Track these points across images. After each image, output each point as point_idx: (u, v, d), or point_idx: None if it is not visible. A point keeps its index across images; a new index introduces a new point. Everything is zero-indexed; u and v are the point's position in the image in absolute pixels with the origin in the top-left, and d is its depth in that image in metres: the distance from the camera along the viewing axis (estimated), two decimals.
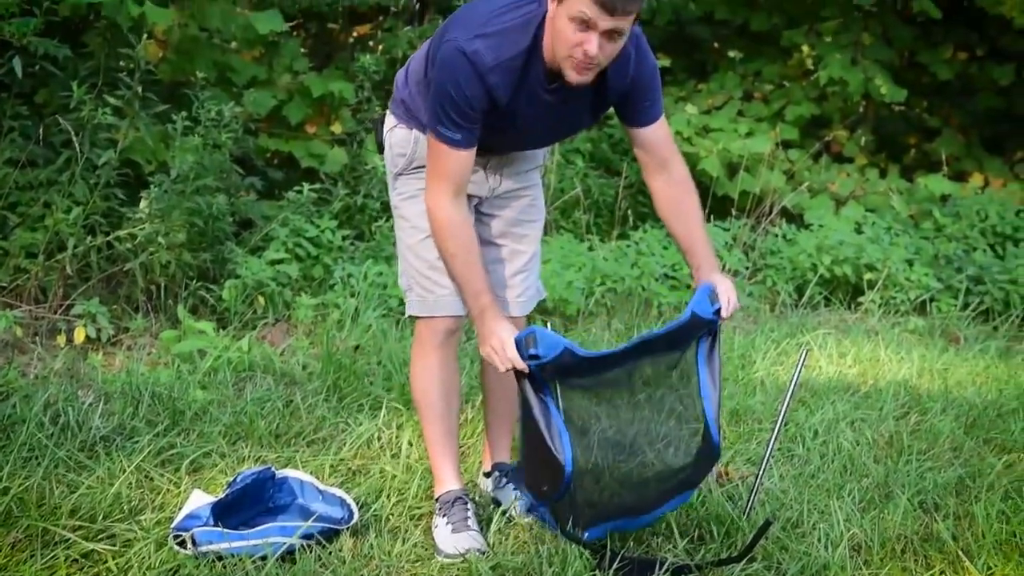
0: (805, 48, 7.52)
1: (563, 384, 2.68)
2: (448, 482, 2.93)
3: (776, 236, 6.29)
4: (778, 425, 3.00)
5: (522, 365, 2.58)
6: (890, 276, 5.91)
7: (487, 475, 3.19)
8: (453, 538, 2.78)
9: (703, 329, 2.78)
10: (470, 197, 2.84)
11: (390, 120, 2.91)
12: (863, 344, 5.03)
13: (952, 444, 3.78)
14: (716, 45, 8.41)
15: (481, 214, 2.96)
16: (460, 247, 2.69)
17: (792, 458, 3.57)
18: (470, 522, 2.83)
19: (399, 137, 2.86)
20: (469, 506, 2.89)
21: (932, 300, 5.89)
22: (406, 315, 2.99)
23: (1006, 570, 2.84)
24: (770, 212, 6.47)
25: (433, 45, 2.71)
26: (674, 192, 2.87)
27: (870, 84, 6.88)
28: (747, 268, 6.01)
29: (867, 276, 5.94)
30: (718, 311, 2.75)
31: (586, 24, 2.44)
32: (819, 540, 2.92)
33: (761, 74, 7.73)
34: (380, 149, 3.00)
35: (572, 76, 2.54)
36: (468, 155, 2.66)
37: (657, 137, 2.84)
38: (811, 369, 4.60)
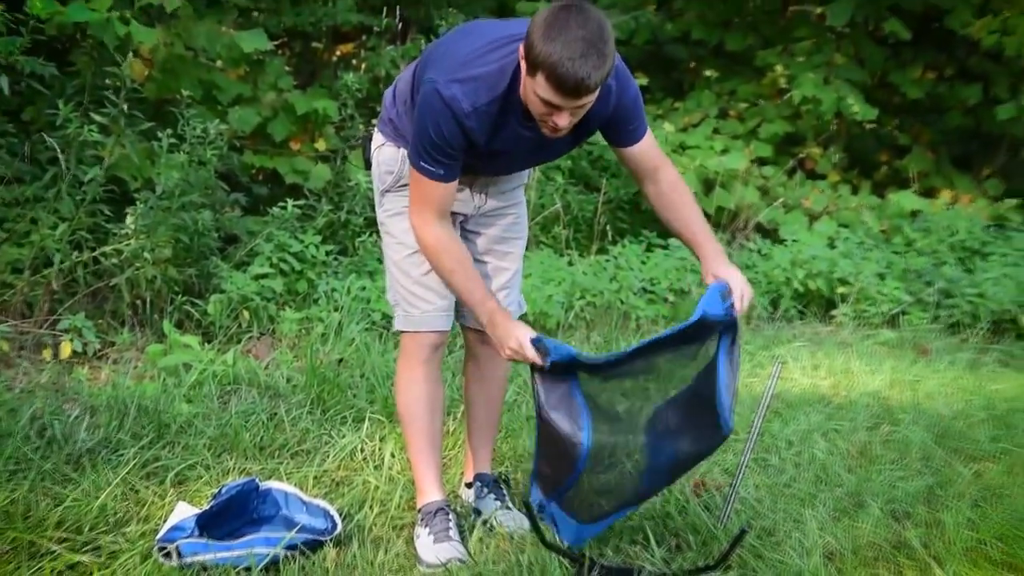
0: (779, 68, 7.56)
1: (584, 375, 2.71)
2: (430, 493, 2.94)
3: (751, 250, 6.32)
4: (752, 436, 3.01)
5: (541, 361, 2.60)
6: (862, 290, 5.95)
7: (468, 486, 3.19)
8: (435, 548, 2.79)
9: (719, 327, 2.75)
10: (455, 215, 2.85)
11: (378, 138, 2.91)
12: (836, 356, 5.06)
13: (922, 454, 3.80)
14: (692, 65, 8.46)
15: (466, 231, 2.97)
16: (455, 261, 2.70)
17: (767, 468, 3.59)
18: (451, 532, 2.84)
19: (387, 155, 2.86)
20: (451, 516, 2.89)
21: (903, 313, 5.93)
22: (393, 330, 2.99)
23: (974, 574, 2.86)
24: (745, 227, 6.50)
25: (417, 75, 2.72)
26: (667, 193, 2.87)
27: (842, 103, 6.93)
28: None
29: (840, 290, 5.98)
30: (731, 306, 2.74)
31: (552, 105, 2.45)
32: (793, 548, 2.93)
33: (736, 93, 7.77)
34: (367, 166, 3.00)
35: (545, 132, 2.56)
36: (451, 186, 2.67)
37: (644, 151, 2.83)
38: (785, 381, 4.62)
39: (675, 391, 2.81)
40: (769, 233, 6.75)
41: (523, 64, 2.47)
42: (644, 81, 7.13)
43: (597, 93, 2.46)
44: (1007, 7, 7.31)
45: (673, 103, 7.78)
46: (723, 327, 2.75)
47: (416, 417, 2.93)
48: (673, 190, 2.88)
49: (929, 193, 7.44)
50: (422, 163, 2.61)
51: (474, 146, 2.60)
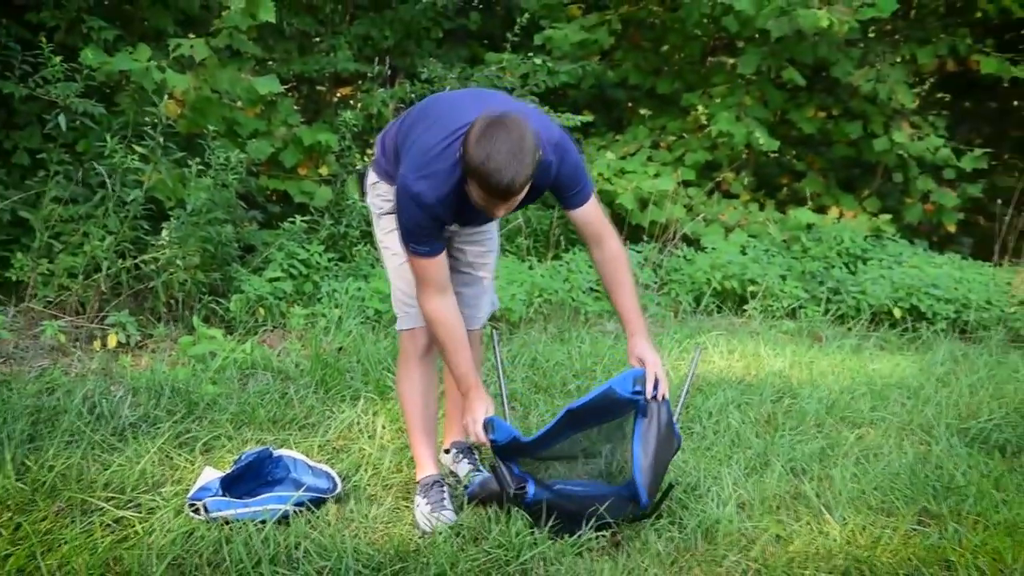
0: (700, 107, 7.57)
1: (518, 458, 2.76)
2: (427, 468, 2.90)
3: (678, 257, 6.34)
4: (679, 408, 3.03)
5: (484, 441, 2.64)
6: (768, 288, 5.98)
7: (447, 452, 3.18)
8: (432, 516, 2.75)
9: (630, 408, 2.70)
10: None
11: (372, 176, 2.89)
12: (747, 343, 5.09)
13: (816, 421, 3.84)
14: (630, 104, 8.47)
15: (454, 247, 2.93)
16: (449, 338, 2.66)
17: (691, 435, 3.60)
18: (446, 502, 2.80)
19: (383, 189, 2.83)
20: (445, 489, 2.86)
21: (801, 307, 5.97)
22: (397, 329, 2.93)
23: (857, 519, 2.89)
24: (673, 237, 6.52)
25: (398, 142, 2.69)
26: (610, 267, 2.80)
27: (751, 136, 6.96)
28: (655, 283, 6.06)
29: (750, 288, 6.01)
30: (637, 392, 2.67)
31: (492, 204, 2.44)
32: (712, 500, 2.95)
33: (666, 128, 7.78)
34: (363, 195, 2.99)
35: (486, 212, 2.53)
36: (441, 257, 2.63)
37: (587, 216, 2.76)
38: (706, 364, 4.65)
39: (596, 460, 2.82)
40: (693, 242, 6.77)
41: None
42: (590, 118, 7.13)
43: (525, 190, 2.43)
44: (879, 61, 7.41)
45: (614, 136, 7.79)
46: (637, 410, 2.69)
47: (414, 405, 2.89)
48: (614, 263, 2.80)
49: (821, 210, 7.49)
50: (411, 245, 2.58)
51: (446, 223, 2.60)
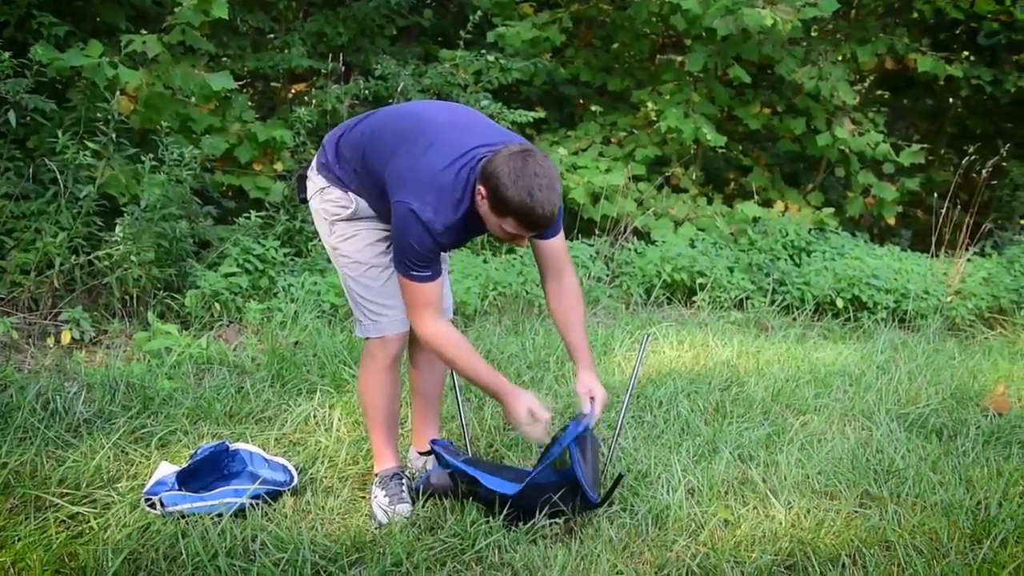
0: (650, 104, 7.62)
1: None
2: (387, 460, 2.87)
3: (629, 250, 6.37)
4: (628, 395, 3.05)
5: (544, 438, 2.64)
6: (716, 280, 6.03)
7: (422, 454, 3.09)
8: (389, 508, 2.73)
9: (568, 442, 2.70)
10: None
11: (320, 181, 2.73)
12: (696, 333, 5.13)
13: (763, 409, 3.88)
14: (582, 101, 8.49)
15: None
16: (458, 351, 2.60)
17: (643, 423, 3.63)
18: (404, 495, 2.78)
19: (337, 195, 2.69)
20: (404, 481, 2.83)
21: (748, 298, 6.03)
22: (361, 337, 2.81)
23: (802, 503, 2.94)
24: (624, 231, 6.55)
25: (374, 159, 2.60)
26: (564, 301, 2.79)
27: (699, 132, 7.01)
28: (607, 275, 6.08)
29: (699, 280, 6.06)
30: (580, 420, 2.70)
31: (518, 236, 2.47)
32: (662, 487, 2.97)
33: (616, 124, 7.81)
34: (302, 201, 2.84)
35: (502, 240, 2.56)
36: (438, 282, 2.58)
37: (555, 248, 2.76)
38: (657, 354, 4.68)
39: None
40: (643, 236, 6.81)
41: (486, 202, 2.43)
42: (543, 115, 7.15)
43: None
44: (822, 59, 7.51)
45: (566, 132, 7.80)
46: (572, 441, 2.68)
47: (380, 409, 2.83)
48: (570, 297, 2.79)
49: (767, 203, 7.56)
50: (412, 272, 2.52)
51: (448, 248, 2.59)
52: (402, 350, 2.84)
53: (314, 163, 2.78)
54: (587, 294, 5.70)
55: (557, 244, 2.76)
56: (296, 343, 4.32)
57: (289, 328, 4.46)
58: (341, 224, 2.72)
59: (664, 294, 6.03)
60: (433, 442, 2.77)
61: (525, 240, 2.53)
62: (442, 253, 2.63)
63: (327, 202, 2.72)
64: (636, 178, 7.26)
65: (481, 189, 2.44)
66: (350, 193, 2.68)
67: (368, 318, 2.76)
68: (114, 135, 4.54)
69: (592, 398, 2.77)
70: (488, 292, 5.30)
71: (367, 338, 2.79)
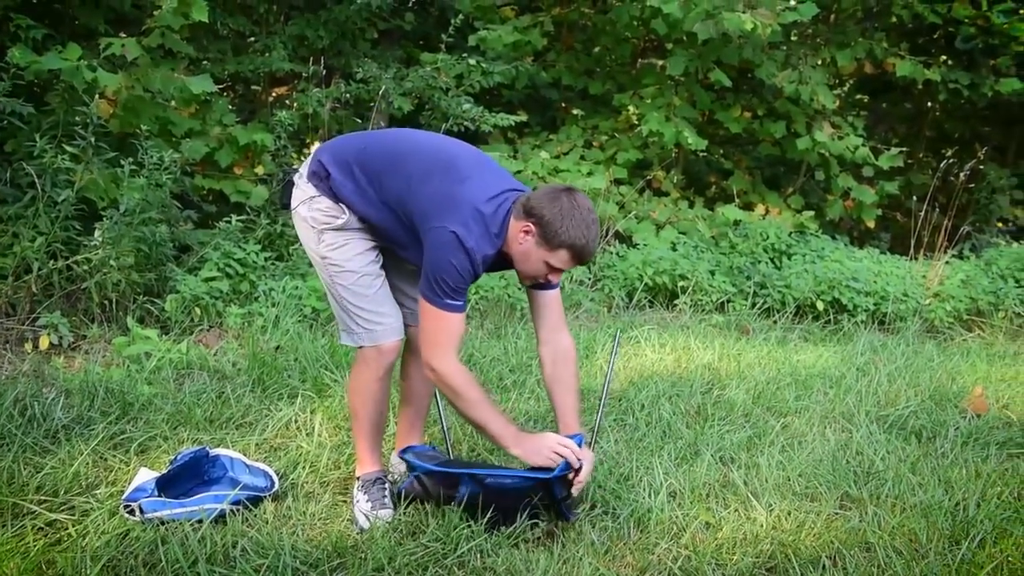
0: (631, 108, 7.65)
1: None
2: (370, 464, 2.85)
3: (611, 253, 6.39)
4: (603, 396, 3.05)
5: (575, 462, 2.62)
6: (697, 283, 6.06)
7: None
8: (371, 513, 2.72)
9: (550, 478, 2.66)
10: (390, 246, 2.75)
11: (309, 189, 2.68)
12: (678, 336, 5.14)
13: (744, 412, 3.89)
14: (563, 105, 8.50)
15: (399, 259, 2.82)
16: (474, 394, 2.58)
17: (624, 426, 3.63)
18: (386, 500, 2.78)
19: (327, 204, 2.66)
20: (386, 485, 2.82)
21: (729, 301, 6.05)
22: (351, 345, 2.75)
23: (783, 505, 2.95)
24: (607, 234, 6.56)
25: (392, 181, 2.59)
26: (560, 364, 2.79)
27: (680, 136, 7.03)
28: (589, 279, 6.09)
29: (680, 283, 6.08)
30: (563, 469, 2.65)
31: (559, 270, 2.55)
32: (644, 490, 2.98)
33: (598, 127, 7.84)
34: (285, 207, 2.80)
35: (523, 278, 2.64)
36: (465, 314, 2.58)
37: (553, 300, 2.77)
38: (638, 356, 4.69)
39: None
40: (625, 239, 6.83)
41: (531, 238, 2.51)
42: (524, 118, 7.14)
43: None
44: (801, 64, 7.56)
45: (548, 135, 7.82)
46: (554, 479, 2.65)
47: (368, 416, 2.81)
48: (565, 360, 2.79)
49: (747, 207, 7.60)
50: (447, 300, 2.49)
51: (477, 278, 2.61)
52: (396, 360, 2.81)
53: (304, 171, 2.73)
54: (569, 298, 5.71)
55: (556, 295, 2.80)
56: (277, 347, 4.30)
57: (270, 332, 4.44)
58: (331, 233, 2.68)
59: (646, 297, 6.05)
60: (403, 451, 2.76)
61: (559, 277, 2.62)
62: None
63: (316, 211, 2.68)
64: (618, 181, 7.28)
65: (527, 225, 2.50)
66: (342, 204, 2.66)
67: (361, 327, 2.72)
68: (93, 139, 4.50)
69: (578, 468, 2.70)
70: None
71: (364, 347, 2.75)
